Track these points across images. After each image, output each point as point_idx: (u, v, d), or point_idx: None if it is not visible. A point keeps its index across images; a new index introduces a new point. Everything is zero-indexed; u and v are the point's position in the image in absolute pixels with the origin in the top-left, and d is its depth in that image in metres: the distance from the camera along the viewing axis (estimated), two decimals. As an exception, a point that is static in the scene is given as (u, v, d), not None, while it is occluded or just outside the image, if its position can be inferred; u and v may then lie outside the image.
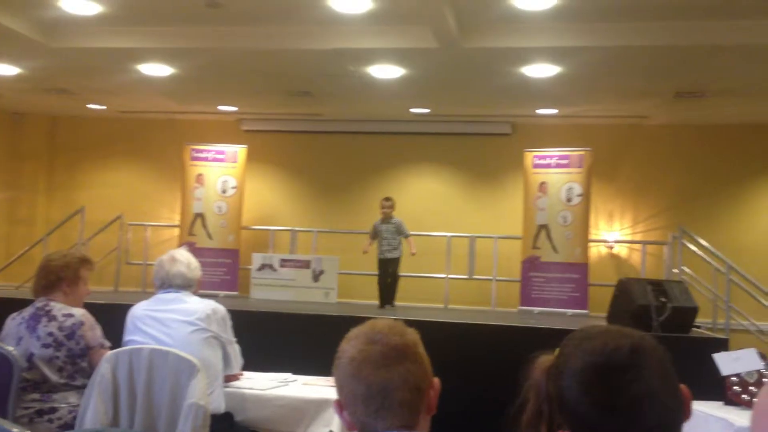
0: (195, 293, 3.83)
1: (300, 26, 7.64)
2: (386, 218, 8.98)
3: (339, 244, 10.95)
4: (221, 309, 3.77)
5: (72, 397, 3.69)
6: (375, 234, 9.04)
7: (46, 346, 3.69)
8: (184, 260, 3.81)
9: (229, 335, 3.80)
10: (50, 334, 3.71)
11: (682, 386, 1.40)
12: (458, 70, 8.60)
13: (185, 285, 3.76)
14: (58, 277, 3.88)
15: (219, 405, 3.57)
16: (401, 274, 9.10)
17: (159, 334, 3.55)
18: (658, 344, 1.42)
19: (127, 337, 3.66)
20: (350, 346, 1.73)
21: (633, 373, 1.34)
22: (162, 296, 3.72)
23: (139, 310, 3.69)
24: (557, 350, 1.47)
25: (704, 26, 7.08)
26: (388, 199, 9.10)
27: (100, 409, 3.23)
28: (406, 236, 8.95)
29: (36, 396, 3.65)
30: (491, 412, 6.02)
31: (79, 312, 3.81)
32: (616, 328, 1.44)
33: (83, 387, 3.64)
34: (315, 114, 11.48)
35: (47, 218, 12.28)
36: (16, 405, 3.52)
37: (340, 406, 1.73)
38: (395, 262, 8.96)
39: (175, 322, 3.56)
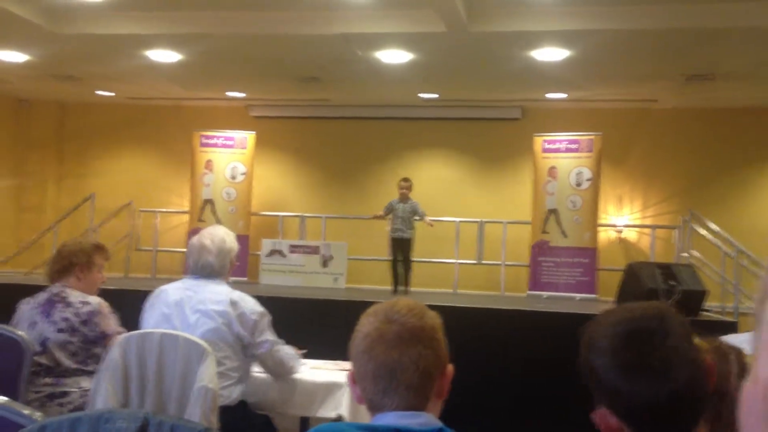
0: (227, 278, 3.70)
1: (308, 11, 7.62)
2: (403, 198, 9.02)
3: (348, 229, 10.96)
4: (244, 306, 3.53)
5: (84, 382, 3.72)
6: (389, 211, 9.08)
7: (61, 330, 3.72)
8: (214, 248, 3.62)
9: (258, 335, 3.53)
10: (65, 319, 3.73)
11: (707, 359, 1.43)
12: (467, 55, 8.57)
13: (214, 274, 3.62)
14: (71, 262, 3.90)
15: (233, 396, 3.56)
16: (413, 259, 9.12)
17: (175, 320, 3.53)
18: (679, 313, 1.47)
19: (143, 314, 3.65)
20: (368, 321, 1.73)
21: (660, 334, 1.39)
22: (189, 281, 3.65)
23: (165, 290, 3.65)
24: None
25: (714, 9, 7.03)
26: (406, 179, 9.15)
27: (110, 393, 3.25)
28: (422, 217, 8.98)
29: (48, 380, 3.68)
30: (499, 395, 6.04)
31: (96, 300, 3.83)
32: (637, 303, 1.50)
33: (95, 372, 3.67)
34: (323, 100, 11.47)
35: (56, 205, 12.32)
36: (27, 389, 3.55)
37: (353, 379, 1.74)
38: (407, 243, 8.98)
39: (194, 311, 3.52)
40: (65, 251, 3.94)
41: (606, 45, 7.93)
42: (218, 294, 3.55)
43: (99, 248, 4.05)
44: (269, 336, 3.58)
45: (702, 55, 8.23)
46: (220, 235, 3.68)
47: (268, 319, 3.61)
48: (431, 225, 9.00)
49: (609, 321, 1.45)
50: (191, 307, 3.52)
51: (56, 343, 3.70)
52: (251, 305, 3.57)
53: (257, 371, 3.87)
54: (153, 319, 3.58)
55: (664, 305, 1.47)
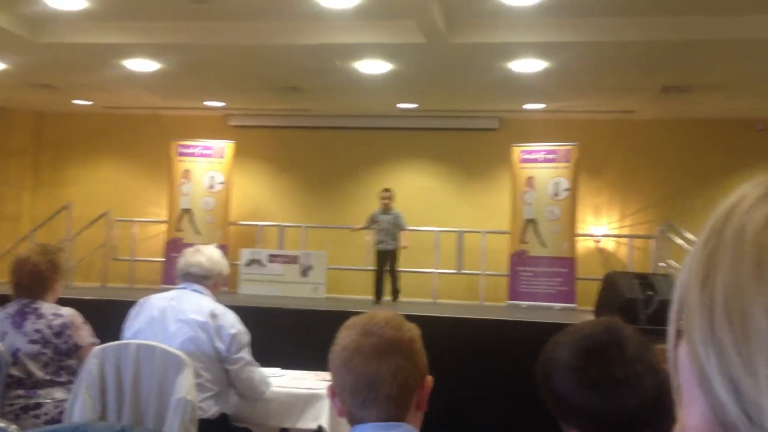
0: (215, 291, 3.74)
1: (286, 22, 7.61)
2: (386, 209, 9.01)
3: (327, 239, 10.94)
4: (224, 320, 3.54)
5: (57, 393, 3.67)
6: (371, 222, 9.07)
7: (33, 342, 3.67)
8: (207, 253, 3.74)
9: (234, 351, 3.53)
10: (38, 330, 3.68)
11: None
12: (445, 66, 8.60)
13: (201, 276, 3.66)
14: (52, 278, 3.85)
15: (212, 410, 3.53)
16: (399, 269, 9.11)
17: (156, 329, 3.51)
18: (629, 325, 1.48)
19: (126, 323, 3.64)
20: (346, 334, 1.74)
21: (616, 346, 1.39)
22: (176, 292, 3.67)
23: (151, 299, 3.64)
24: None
25: (690, 21, 7.11)
26: (387, 189, 9.16)
27: (87, 404, 3.22)
28: (402, 229, 8.99)
29: (21, 392, 3.63)
30: (480, 405, 6.05)
31: (68, 311, 3.79)
32: (586, 321, 1.50)
33: (68, 383, 3.63)
34: (302, 109, 11.46)
35: (33, 215, 12.20)
36: (1, 402, 3.50)
37: (332, 392, 1.74)
38: (393, 254, 8.97)
39: (175, 321, 3.51)
40: (43, 270, 3.81)
41: (583, 57, 7.99)
42: (200, 306, 3.56)
43: (57, 251, 4.01)
44: (245, 355, 3.57)
45: (678, 67, 8.32)
46: (213, 249, 3.84)
47: (247, 338, 3.61)
48: (405, 247, 9.00)
49: (561, 345, 1.44)
50: (173, 317, 3.52)
51: (27, 354, 3.65)
52: (231, 320, 3.57)
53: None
54: (135, 328, 3.56)
55: (613, 319, 1.47)
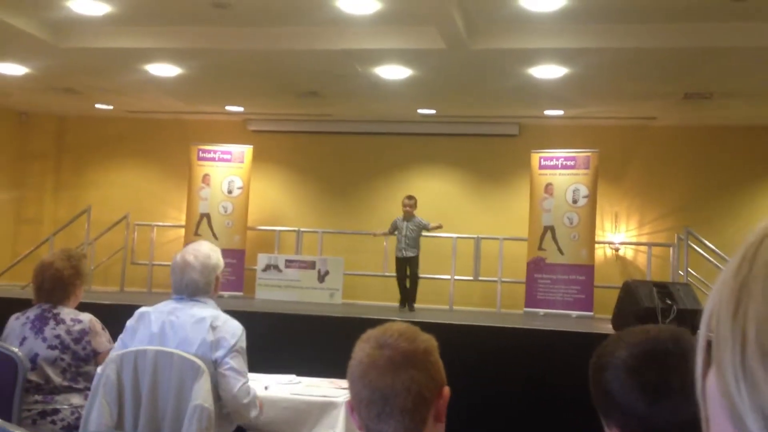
0: (215, 294, 3.51)
1: (307, 27, 7.64)
2: (407, 216, 8.90)
3: (344, 244, 10.94)
4: (225, 331, 3.32)
5: (74, 399, 3.69)
6: (393, 229, 8.97)
7: (52, 347, 3.69)
8: (198, 264, 3.40)
9: (223, 356, 3.28)
10: (57, 336, 3.70)
11: None
12: (466, 71, 8.59)
13: (199, 293, 3.42)
14: (74, 284, 3.88)
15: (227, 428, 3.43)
16: (420, 275, 9.01)
17: (159, 340, 3.37)
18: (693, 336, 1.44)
19: (125, 335, 3.42)
20: (360, 348, 1.74)
21: (679, 356, 1.36)
22: (172, 304, 3.44)
23: (148, 315, 3.44)
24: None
25: (712, 28, 7.06)
26: (410, 197, 8.97)
27: (104, 411, 3.21)
28: (429, 229, 8.90)
29: (38, 398, 3.65)
30: (497, 414, 6.01)
31: (87, 317, 3.81)
32: (650, 325, 1.48)
33: (85, 390, 3.64)
34: (322, 114, 11.48)
35: (54, 218, 12.31)
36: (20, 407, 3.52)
37: (351, 406, 1.74)
38: (414, 261, 8.83)
39: (174, 339, 3.33)
40: (66, 275, 3.82)
41: (604, 63, 7.96)
42: (200, 318, 3.34)
43: (81, 258, 4.03)
44: (231, 361, 3.31)
45: (700, 73, 8.26)
46: (204, 251, 3.46)
47: (243, 346, 3.38)
48: (440, 226, 8.93)
49: (623, 343, 1.42)
50: (173, 335, 3.34)
51: (46, 359, 3.67)
52: (231, 329, 3.35)
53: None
54: (133, 345, 3.36)
55: (682, 329, 1.45)
